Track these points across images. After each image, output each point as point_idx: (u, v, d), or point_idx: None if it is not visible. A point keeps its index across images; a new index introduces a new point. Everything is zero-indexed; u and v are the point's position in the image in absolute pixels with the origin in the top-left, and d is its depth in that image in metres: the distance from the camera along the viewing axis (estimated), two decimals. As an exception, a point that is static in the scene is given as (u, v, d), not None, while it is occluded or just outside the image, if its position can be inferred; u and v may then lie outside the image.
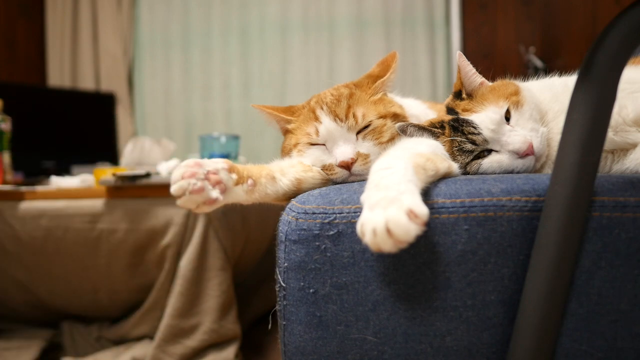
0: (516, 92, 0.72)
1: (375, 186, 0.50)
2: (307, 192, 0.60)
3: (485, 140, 0.70)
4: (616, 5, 2.69)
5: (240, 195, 0.65)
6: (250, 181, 0.65)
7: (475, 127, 0.70)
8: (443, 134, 0.73)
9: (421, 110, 0.84)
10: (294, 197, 0.66)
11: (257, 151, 3.04)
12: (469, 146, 0.70)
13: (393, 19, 3.07)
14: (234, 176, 0.63)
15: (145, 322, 1.48)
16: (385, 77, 0.77)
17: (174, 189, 0.58)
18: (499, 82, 0.76)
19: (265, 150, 3.07)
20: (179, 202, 0.59)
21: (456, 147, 0.71)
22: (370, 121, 0.73)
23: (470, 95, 0.75)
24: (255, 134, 3.08)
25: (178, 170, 0.59)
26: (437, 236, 0.52)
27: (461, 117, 0.72)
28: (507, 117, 0.71)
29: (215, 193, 0.60)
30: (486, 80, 0.77)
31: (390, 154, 0.58)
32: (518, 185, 0.54)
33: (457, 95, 0.76)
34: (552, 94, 0.74)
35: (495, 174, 0.68)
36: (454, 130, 0.72)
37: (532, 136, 0.69)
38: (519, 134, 0.69)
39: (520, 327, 0.50)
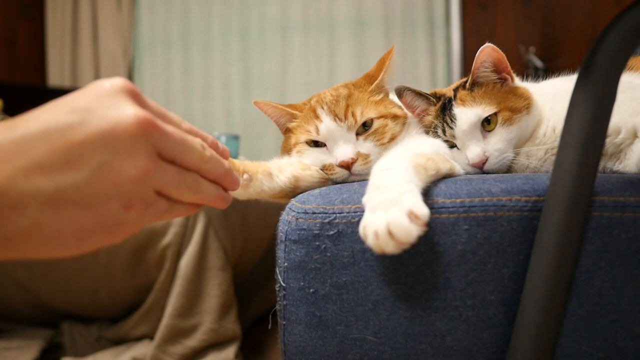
0: (516, 110, 0.72)
1: (376, 188, 0.50)
2: (307, 192, 0.60)
3: (454, 136, 0.74)
4: (616, 5, 2.69)
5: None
6: (246, 176, 0.65)
7: (452, 121, 0.74)
8: (434, 105, 0.78)
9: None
10: (291, 194, 0.66)
11: (257, 151, 3.04)
12: (439, 132, 0.75)
13: (393, 19, 3.07)
14: None
15: (145, 322, 1.47)
16: (378, 78, 0.77)
17: None
18: (513, 89, 0.74)
19: (265, 150, 3.07)
20: None
21: (432, 127, 0.77)
22: (371, 120, 0.73)
23: (472, 88, 0.75)
24: (255, 134, 3.08)
25: None
26: (437, 236, 0.52)
27: (454, 104, 0.75)
28: (489, 120, 0.72)
29: None
30: (516, 80, 0.76)
31: (390, 154, 0.59)
32: (518, 185, 0.54)
33: (464, 84, 0.77)
34: (550, 107, 0.74)
35: None
36: (442, 110, 0.76)
37: (493, 155, 0.71)
38: (479, 150, 0.71)
39: (520, 327, 0.50)
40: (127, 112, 0.34)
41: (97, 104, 0.34)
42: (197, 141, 0.40)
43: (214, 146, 0.46)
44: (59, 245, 0.33)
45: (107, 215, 0.34)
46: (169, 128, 0.37)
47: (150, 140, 0.35)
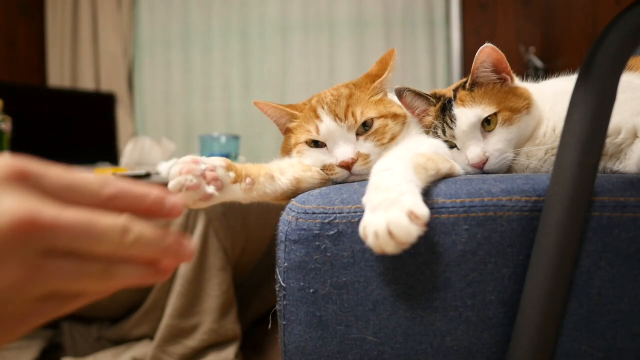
0: (515, 110, 0.72)
1: (376, 188, 0.50)
2: (307, 192, 0.60)
3: (453, 137, 0.74)
4: (616, 5, 2.69)
5: (238, 194, 0.65)
6: (248, 179, 0.65)
7: (452, 121, 0.74)
8: (433, 106, 0.78)
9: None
10: (292, 196, 0.66)
11: (257, 151, 3.04)
12: (439, 132, 0.76)
13: (393, 19, 3.07)
14: (232, 174, 0.64)
15: (145, 322, 1.48)
16: (383, 77, 0.77)
17: (171, 185, 0.58)
18: (513, 89, 0.74)
19: (265, 150, 3.07)
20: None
21: (432, 127, 0.77)
22: (371, 120, 0.73)
23: (472, 88, 0.75)
24: (255, 134, 3.08)
25: (176, 167, 0.59)
26: (437, 236, 0.52)
27: (454, 104, 0.75)
28: (489, 120, 0.72)
29: (210, 189, 0.61)
30: (515, 81, 0.76)
31: (390, 154, 0.59)
32: (518, 185, 0.54)
33: (464, 84, 0.77)
34: (550, 107, 0.74)
35: None
36: (442, 111, 0.76)
37: (493, 155, 0.71)
38: (479, 150, 0.71)
39: (520, 327, 0.50)
40: (3, 209, 0.29)
41: None
42: (115, 224, 0.32)
43: (158, 204, 0.36)
44: None
45: None
46: (63, 218, 0.31)
47: (32, 242, 0.30)
